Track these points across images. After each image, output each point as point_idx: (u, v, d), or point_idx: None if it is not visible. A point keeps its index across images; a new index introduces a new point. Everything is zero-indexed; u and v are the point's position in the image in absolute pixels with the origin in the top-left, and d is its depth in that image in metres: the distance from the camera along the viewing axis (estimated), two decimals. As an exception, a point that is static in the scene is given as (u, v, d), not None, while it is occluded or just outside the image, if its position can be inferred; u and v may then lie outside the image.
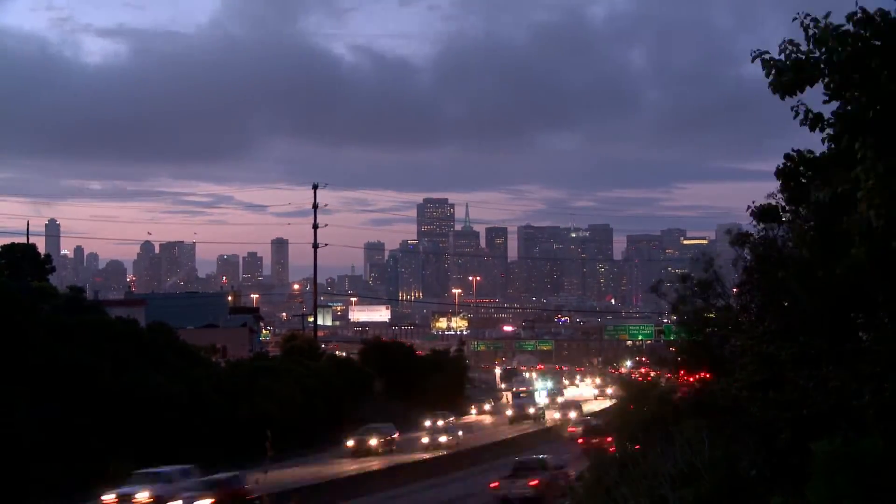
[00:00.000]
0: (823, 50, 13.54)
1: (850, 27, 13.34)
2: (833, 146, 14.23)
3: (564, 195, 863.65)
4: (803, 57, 13.70)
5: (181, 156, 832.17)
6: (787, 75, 13.67)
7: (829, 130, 14.21)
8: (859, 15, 13.21)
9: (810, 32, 13.54)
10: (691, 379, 31.74)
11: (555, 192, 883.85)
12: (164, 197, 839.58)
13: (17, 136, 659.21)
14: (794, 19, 13.70)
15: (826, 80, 13.79)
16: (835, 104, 14.23)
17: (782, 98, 13.96)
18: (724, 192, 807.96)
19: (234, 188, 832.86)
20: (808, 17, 13.57)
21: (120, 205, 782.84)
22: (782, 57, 13.89)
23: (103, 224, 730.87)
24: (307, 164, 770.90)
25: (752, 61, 14.01)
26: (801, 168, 15.12)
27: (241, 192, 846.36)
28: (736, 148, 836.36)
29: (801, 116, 14.00)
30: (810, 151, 15.02)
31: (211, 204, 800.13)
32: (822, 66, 13.65)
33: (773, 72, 13.88)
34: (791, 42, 13.89)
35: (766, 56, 14.00)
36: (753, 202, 18.09)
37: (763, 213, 16.40)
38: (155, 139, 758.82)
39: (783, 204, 16.26)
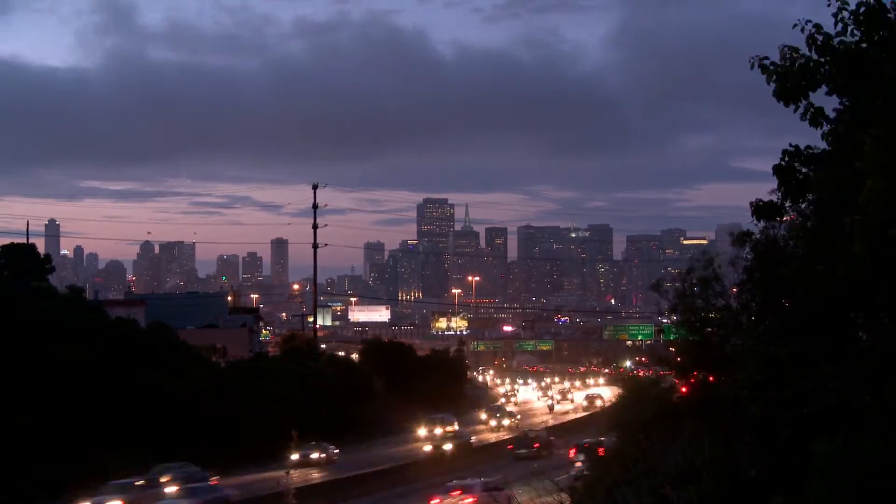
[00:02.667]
0: (827, 57, 13.60)
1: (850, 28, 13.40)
2: (833, 142, 14.24)
3: (579, 196, 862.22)
4: (803, 61, 13.74)
5: (201, 155, 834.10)
6: (790, 81, 13.71)
7: (829, 126, 14.22)
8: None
9: (811, 40, 13.60)
10: (692, 380, 31.73)
11: (569, 193, 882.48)
12: (180, 197, 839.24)
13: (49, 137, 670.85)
14: (795, 26, 13.77)
15: (830, 84, 13.84)
16: (835, 100, 14.24)
17: (786, 105, 14.00)
18: (739, 193, 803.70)
19: (254, 188, 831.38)
20: (811, 24, 13.62)
21: (137, 205, 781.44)
22: (784, 63, 13.92)
23: (111, 225, 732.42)
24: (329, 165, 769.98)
25: (752, 68, 14.05)
26: (799, 164, 15.13)
27: (258, 191, 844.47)
28: (751, 147, 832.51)
29: (801, 110, 14.03)
30: (809, 147, 15.02)
31: (226, 205, 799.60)
32: (825, 69, 13.69)
33: (775, 78, 13.95)
34: (790, 47, 13.93)
35: (766, 62, 14.05)
36: (756, 199, 18.02)
37: (762, 210, 16.34)
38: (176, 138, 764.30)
39: (783, 201, 16.23)
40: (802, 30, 13.74)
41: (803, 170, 15.09)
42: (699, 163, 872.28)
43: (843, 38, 13.57)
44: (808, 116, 14.05)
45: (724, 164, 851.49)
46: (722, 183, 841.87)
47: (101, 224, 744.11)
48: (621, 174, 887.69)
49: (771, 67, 13.99)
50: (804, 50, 13.80)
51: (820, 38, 13.63)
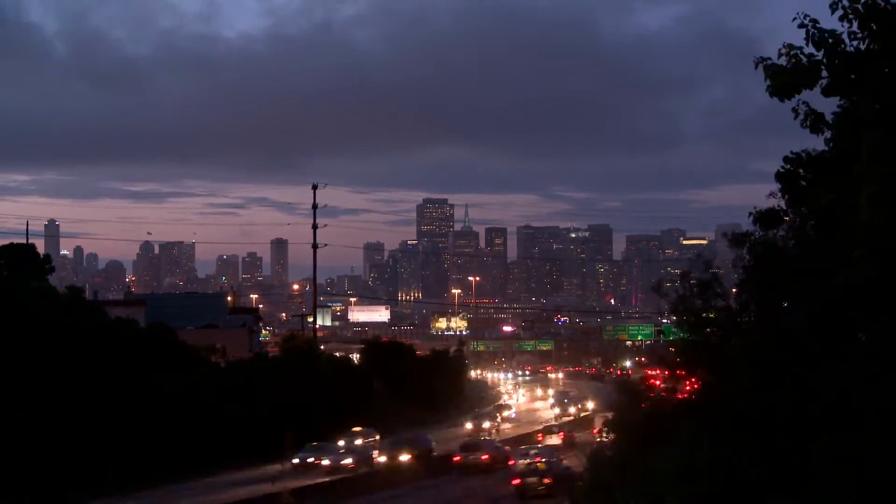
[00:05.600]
0: (823, 51, 13.51)
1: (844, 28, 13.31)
2: (834, 146, 14.18)
3: (594, 197, 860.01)
4: (804, 59, 13.68)
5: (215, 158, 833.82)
6: (784, 78, 13.63)
7: (829, 133, 14.16)
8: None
9: (810, 34, 13.51)
10: (692, 379, 31.72)
11: (585, 194, 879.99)
12: (196, 198, 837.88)
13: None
14: (794, 19, 13.67)
15: (825, 81, 13.76)
16: (835, 102, 14.17)
17: (781, 101, 13.93)
18: (752, 195, 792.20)
19: (271, 188, 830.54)
20: (808, 18, 13.54)
21: (153, 205, 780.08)
22: (783, 61, 13.86)
23: (116, 225, 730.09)
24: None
25: (756, 68, 13.98)
26: (802, 170, 15.09)
27: (275, 191, 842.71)
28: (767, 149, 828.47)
29: (801, 117, 13.95)
30: (810, 153, 14.98)
31: (240, 205, 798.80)
32: (822, 67, 13.61)
33: (771, 74, 13.84)
34: (790, 46, 13.88)
35: (768, 62, 13.97)
36: (757, 208, 18.01)
37: (764, 219, 16.36)
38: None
39: (784, 207, 16.23)
40: (801, 24, 13.60)
41: (806, 176, 15.04)
42: (715, 164, 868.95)
43: (838, 31, 13.39)
44: (807, 123, 13.98)
45: (740, 165, 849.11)
46: (738, 185, 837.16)
47: (110, 225, 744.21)
48: (635, 175, 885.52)
49: (772, 69, 13.90)
50: (807, 48, 13.66)
51: (816, 33, 13.50)
